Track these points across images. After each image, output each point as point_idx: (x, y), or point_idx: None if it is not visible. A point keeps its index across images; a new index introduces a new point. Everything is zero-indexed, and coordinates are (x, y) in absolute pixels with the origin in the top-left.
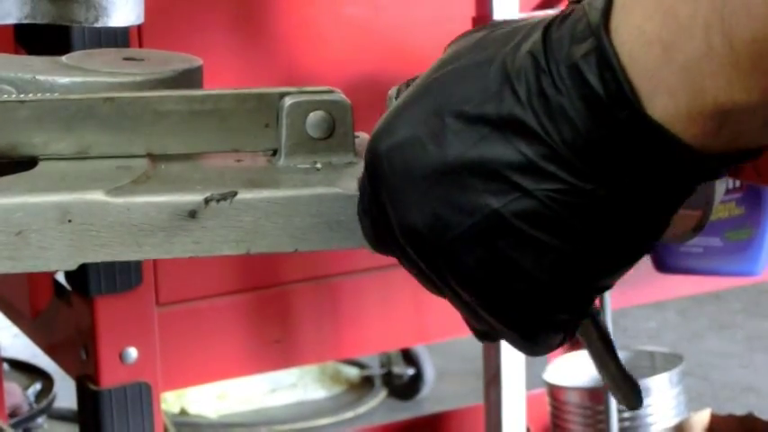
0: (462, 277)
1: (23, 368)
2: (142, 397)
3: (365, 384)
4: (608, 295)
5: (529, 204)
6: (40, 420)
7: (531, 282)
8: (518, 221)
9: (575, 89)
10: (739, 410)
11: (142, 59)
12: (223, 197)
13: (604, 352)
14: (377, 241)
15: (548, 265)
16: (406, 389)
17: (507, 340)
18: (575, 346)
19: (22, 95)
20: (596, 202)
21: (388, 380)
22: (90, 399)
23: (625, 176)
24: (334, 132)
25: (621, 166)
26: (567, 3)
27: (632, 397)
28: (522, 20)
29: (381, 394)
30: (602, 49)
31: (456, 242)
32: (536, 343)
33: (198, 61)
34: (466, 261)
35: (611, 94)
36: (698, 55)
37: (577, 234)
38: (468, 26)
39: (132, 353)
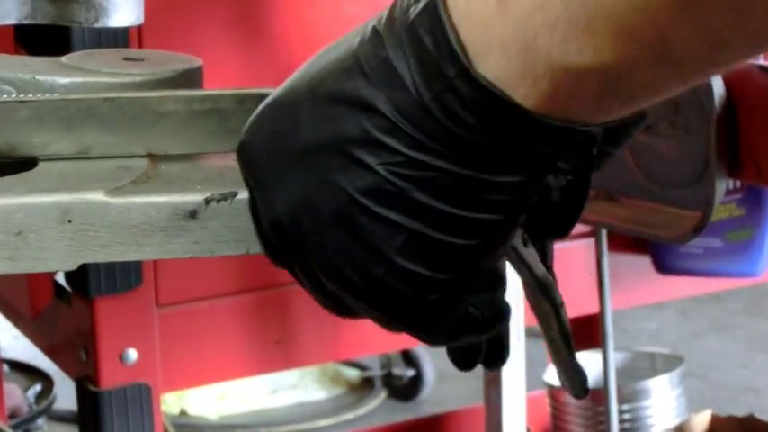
0: (325, 267)
1: (23, 369)
2: (142, 398)
3: (365, 385)
4: (608, 295)
5: (372, 180)
6: (40, 421)
7: (389, 264)
8: (365, 199)
9: (411, 51)
10: (740, 411)
11: (142, 60)
12: (223, 197)
13: (561, 342)
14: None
15: (401, 244)
16: (406, 390)
17: (397, 329)
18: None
19: (21, 96)
20: (438, 175)
21: (389, 381)
22: (90, 400)
23: (462, 144)
24: None
25: (457, 132)
26: None
27: (578, 387)
28: None
29: (381, 395)
30: (434, 4)
31: (316, 226)
32: (428, 331)
33: (198, 61)
34: (325, 248)
35: (441, 50)
36: (533, 7)
37: (425, 210)
38: None
39: (132, 354)
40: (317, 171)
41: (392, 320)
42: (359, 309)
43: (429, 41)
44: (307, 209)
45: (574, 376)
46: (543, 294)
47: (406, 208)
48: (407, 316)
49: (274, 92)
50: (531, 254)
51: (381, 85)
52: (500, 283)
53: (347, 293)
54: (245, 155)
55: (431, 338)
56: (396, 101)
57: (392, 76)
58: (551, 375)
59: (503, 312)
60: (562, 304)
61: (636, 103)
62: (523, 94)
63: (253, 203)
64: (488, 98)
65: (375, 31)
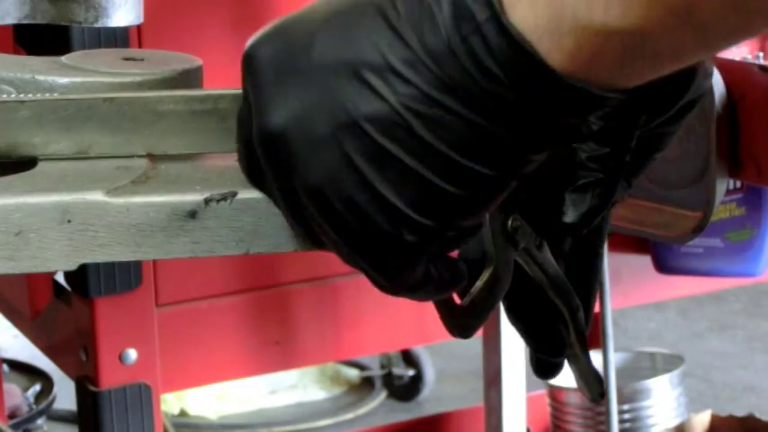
0: (309, 187)
1: (23, 369)
2: (142, 398)
3: (365, 385)
4: (608, 296)
5: (380, 108)
6: (39, 421)
7: (374, 195)
8: (368, 125)
9: None
10: (740, 411)
11: (142, 59)
12: (223, 197)
13: (577, 345)
14: (246, 164)
15: (391, 177)
16: (406, 390)
17: (367, 275)
18: None
19: (21, 95)
20: (449, 117)
21: (389, 381)
22: (89, 400)
23: (481, 92)
24: None
25: (478, 78)
26: None
27: (595, 390)
28: None
29: (381, 395)
30: None
31: (306, 143)
32: (389, 275)
33: (198, 61)
34: (314, 167)
35: None
36: None
37: (425, 149)
38: None
39: (132, 354)
40: (323, 89)
41: (359, 255)
42: (328, 237)
43: None
44: (304, 124)
45: (590, 379)
46: (558, 297)
47: (408, 143)
48: (376, 253)
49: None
50: (544, 256)
51: (410, 18)
52: (460, 247)
53: (324, 218)
54: (250, 62)
55: (389, 284)
56: (423, 36)
57: (423, 12)
58: None
59: (459, 276)
60: (579, 307)
61: (659, 68)
62: (547, 49)
63: (246, 113)
64: (513, 48)
65: None
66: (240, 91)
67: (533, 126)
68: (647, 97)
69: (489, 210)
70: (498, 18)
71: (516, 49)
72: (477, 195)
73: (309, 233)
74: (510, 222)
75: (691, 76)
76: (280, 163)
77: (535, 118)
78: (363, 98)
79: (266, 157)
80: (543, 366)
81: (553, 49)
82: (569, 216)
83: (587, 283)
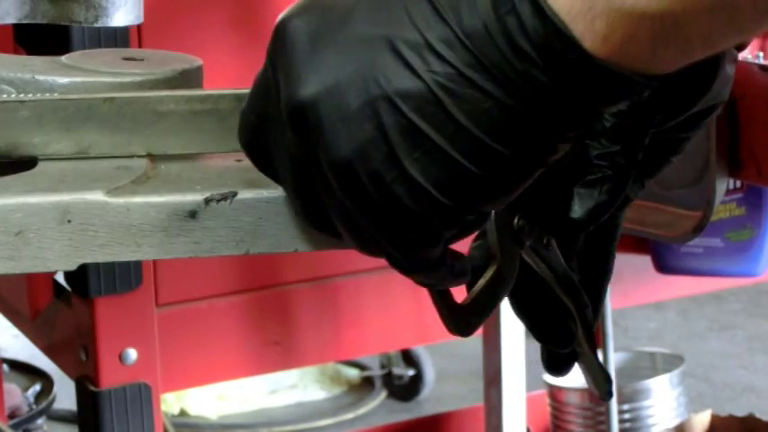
0: (335, 162)
1: (23, 369)
2: (142, 398)
3: (365, 385)
4: (608, 295)
5: (414, 85)
6: (39, 421)
7: (402, 172)
8: (401, 101)
9: None
10: (740, 411)
11: (142, 59)
12: (223, 197)
13: (585, 342)
14: (256, 135)
15: (419, 156)
16: (406, 390)
17: (385, 254)
18: None
19: (21, 95)
20: (482, 97)
21: (389, 381)
22: (89, 400)
23: (514, 73)
24: None
25: (511, 59)
26: None
27: (604, 388)
28: None
29: (381, 395)
30: None
31: (336, 114)
32: (410, 256)
33: (198, 61)
34: (342, 141)
35: None
36: None
37: (456, 129)
38: None
39: (132, 354)
40: (357, 62)
41: (379, 230)
42: (346, 213)
43: None
44: (336, 96)
45: (598, 378)
46: (566, 294)
47: (439, 121)
48: (397, 229)
49: None
50: (552, 254)
51: None
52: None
53: (347, 192)
54: (284, 31)
55: (405, 261)
56: (460, 15)
57: None
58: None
59: (466, 269)
60: (587, 305)
61: (690, 54)
62: (581, 31)
63: (270, 82)
64: (547, 29)
65: None
66: (240, 91)
67: (564, 110)
68: (663, 96)
69: (512, 197)
70: (536, 1)
71: (551, 30)
72: (502, 180)
73: (311, 210)
74: (516, 221)
75: (710, 80)
76: (308, 133)
77: (567, 101)
78: (398, 73)
79: (295, 127)
80: (555, 362)
81: (586, 32)
82: (576, 212)
83: (598, 281)
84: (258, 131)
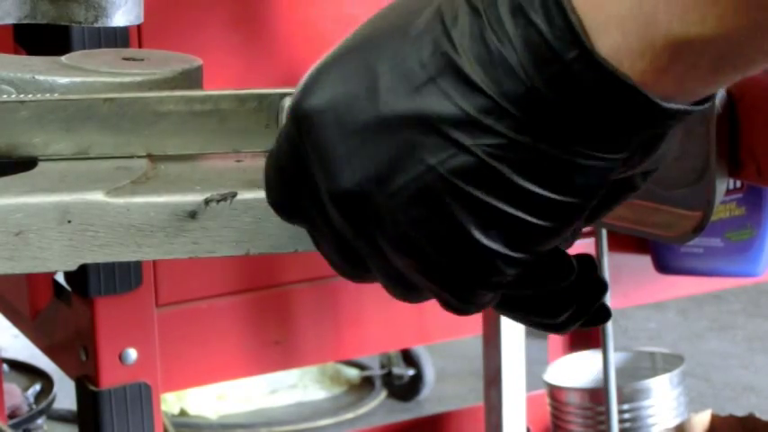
0: (397, 239)
1: (23, 369)
2: (142, 398)
3: (365, 385)
4: (608, 295)
5: (466, 161)
6: (39, 421)
7: (469, 241)
8: (455, 179)
9: (517, 33)
10: (740, 411)
11: (142, 59)
12: (223, 198)
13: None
14: (287, 204)
15: (484, 222)
16: (406, 390)
17: (440, 300)
18: (575, 346)
19: (21, 96)
20: (536, 158)
21: (389, 381)
22: (89, 399)
23: (569, 126)
24: None
25: (566, 114)
26: None
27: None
28: None
29: (381, 395)
30: None
31: (391, 201)
32: (470, 302)
33: (198, 61)
34: (401, 221)
35: (559, 32)
36: None
37: (516, 191)
38: None
39: (132, 354)
40: (397, 146)
41: (446, 290)
42: (413, 274)
43: (542, 22)
44: (382, 184)
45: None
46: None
47: (498, 189)
48: (464, 287)
49: (331, 51)
50: None
51: (479, 63)
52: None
53: (414, 260)
54: (306, 120)
55: (466, 310)
56: (499, 81)
57: (494, 56)
58: (551, 375)
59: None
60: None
61: (751, 69)
62: (641, 69)
63: (291, 161)
64: (606, 79)
65: (471, 7)
66: (241, 91)
67: (625, 151)
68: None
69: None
70: (589, 54)
71: (608, 80)
72: (566, 223)
73: (399, 280)
74: None
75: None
76: (357, 221)
77: (628, 144)
78: (445, 153)
79: (343, 214)
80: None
81: (647, 70)
82: None
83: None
84: (290, 205)
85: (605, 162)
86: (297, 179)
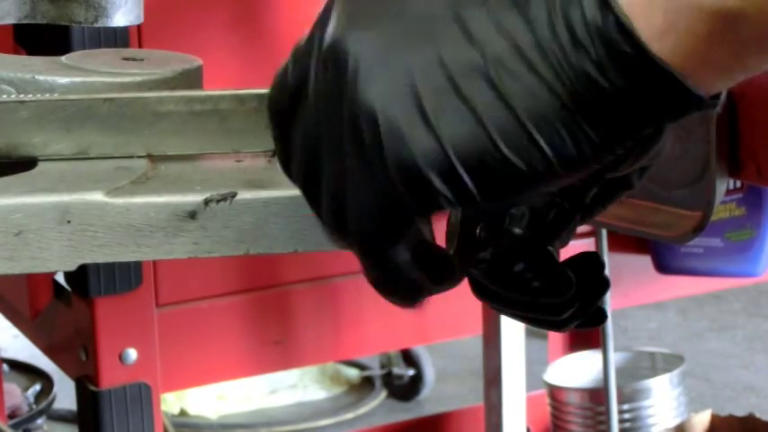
0: (360, 103)
1: (23, 369)
2: (142, 398)
3: (365, 385)
4: (608, 295)
5: (468, 54)
6: (39, 421)
7: (425, 127)
8: (449, 64)
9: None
10: (740, 411)
11: (142, 59)
12: (223, 198)
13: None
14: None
15: (448, 116)
16: (406, 390)
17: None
18: (575, 346)
19: (21, 96)
20: (533, 79)
21: (389, 381)
22: (89, 399)
23: (568, 64)
24: None
25: (569, 50)
26: None
27: None
28: None
29: (381, 395)
30: None
31: (377, 61)
32: (383, 258)
33: (198, 61)
34: (371, 86)
35: (596, 12)
36: None
37: (496, 100)
38: None
39: (132, 354)
40: (417, 28)
41: (368, 204)
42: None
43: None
44: (380, 47)
45: None
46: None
47: (482, 90)
48: (391, 199)
49: None
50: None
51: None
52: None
53: (356, 148)
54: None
55: (380, 271)
56: (528, 3)
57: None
58: (551, 375)
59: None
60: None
61: (744, 60)
62: (640, 25)
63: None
64: (607, 19)
65: None
66: (240, 91)
67: (610, 116)
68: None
69: (526, 196)
70: (629, 34)
71: (610, 21)
72: (527, 172)
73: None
74: (478, 231)
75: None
76: (340, 71)
77: (615, 105)
78: (455, 40)
79: (327, 65)
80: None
81: (645, 26)
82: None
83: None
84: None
85: (594, 124)
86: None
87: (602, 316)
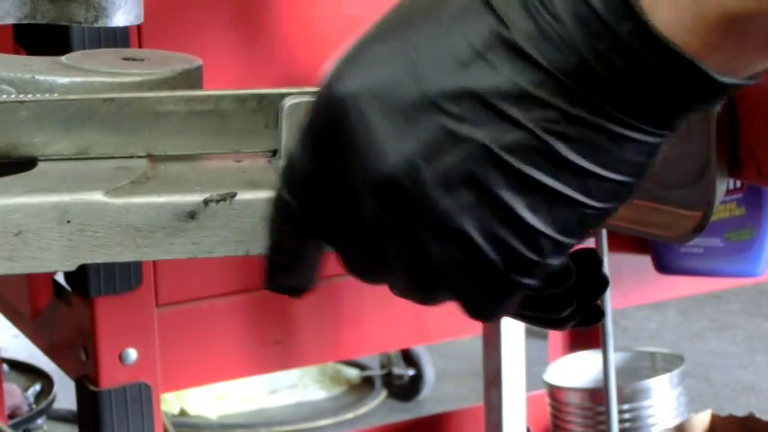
0: (443, 226)
1: (23, 369)
2: (142, 398)
3: (365, 385)
4: (608, 295)
5: (519, 137)
6: (39, 421)
7: (517, 224)
8: (507, 155)
9: (566, 7)
10: (740, 411)
11: (142, 59)
12: (222, 198)
13: None
14: (312, 197)
15: (535, 203)
16: (406, 390)
17: (466, 302)
18: (575, 346)
19: (21, 96)
20: (590, 133)
21: (389, 381)
22: (90, 399)
23: (623, 99)
24: None
25: (620, 88)
26: None
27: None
28: None
29: (381, 395)
30: None
31: (437, 183)
32: (503, 301)
33: (198, 61)
34: (447, 206)
35: (611, 6)
36: None
37: (571, 169)
38: None
39: (132, 354)
40: (444, 125)
41: (481, 289)
42: (448, 278)
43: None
44: (429, 166)
45: None
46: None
47: (551, 166)
48: (507, 285)
49: (364, 36)
50: None
51: (530, 36)
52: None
53: (459, 255)
54: (342, 104)
55: (491, 310)
56: (550, 55)
57: (543, 31)
58: (551, 375)
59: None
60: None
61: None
62: (694, 46)
63: (319, 153)
64: (662, 53)
65: None
66: (241, 91)
67: (675, 126)
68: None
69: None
70: (644, 27)
71: (661, 54)
72: (616, 203)
73: (427, 282)
74: None
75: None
76: (399, 209)
77: (680, 118)
78: (496, 128)
79: (382, 203)
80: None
81: (700, 46)
82: None
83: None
84: (306, 213)
85: (655, 138)
86: (324, 173)
87: (599, 314)
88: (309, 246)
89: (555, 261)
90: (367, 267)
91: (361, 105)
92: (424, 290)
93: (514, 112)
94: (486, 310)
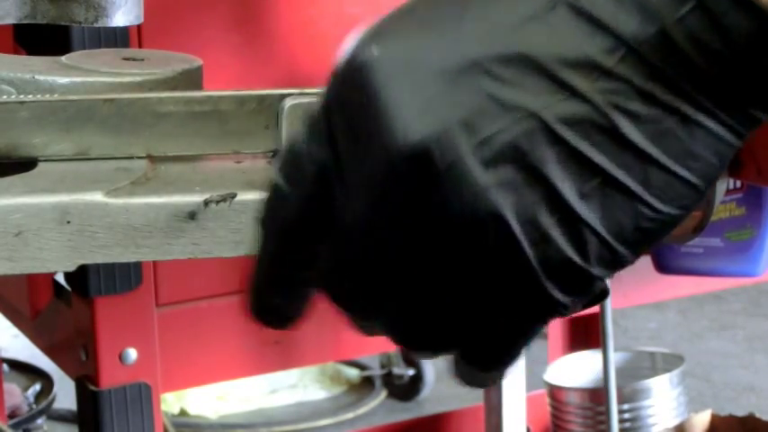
0: (474, 210)
1: (23, 369)
2: (142, 398)
3: (365, 385)
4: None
5: (579, 108)
6: (39, 421)
7: (566, 214)
8: (562, 129)
9: None
10: (740, 411)
11: (142, 59)
12: (222, 199)
13: None
14: (315, 187)
15: (588, 190)
16: (406, 389)
17: (474, 344)
18: (575, 346)
19: (21, 96)
20: (663, 114)
21: (389, 380)
22: (89, 399)
23: (703, 78)
24: None
25: (703, 63)
26: None
27: None
28: None
29: (381, 395)
30: None
31: (475, 156)
32: (523, 336)
33: (198, 61)
34: (484, 182)
35: None
36: None
37: (635, 153)
38: None
39: (132, 353)
40: (490, 87)
41: (510, 313)
42: (467, 283)
43: None
44: (468, 132)
45: None
46: None
47: (611, 146)
48: (536, 301)
49: (400, 6)
50: None
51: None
52: None
53: (502, 243)
54: (364, 68)
55: (502, 356)
56: (622, 20)
57: None
58: (551, 375)
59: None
60: None
61: None
62: None
63: (339, 126)
64: (761, 24)
65: None
66: (241, 92)
67: (754, 122)
68: None
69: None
70: None
71: (746, 19)
72: (678, 215)
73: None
74: None
75: None
76: (426, 186)
77: (760, 110)
78: (554, 97)
79: (408, 179)
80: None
81: None
82: None
83: None
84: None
85: (728, 131)
86: (339, 150)
87: (604, 293)
88: (304, 256)
89: (599, 272)
90: (363, 280)
91: (388, 68)
92: (430, 316)
93: (576, 80)
94: (498, 350)
